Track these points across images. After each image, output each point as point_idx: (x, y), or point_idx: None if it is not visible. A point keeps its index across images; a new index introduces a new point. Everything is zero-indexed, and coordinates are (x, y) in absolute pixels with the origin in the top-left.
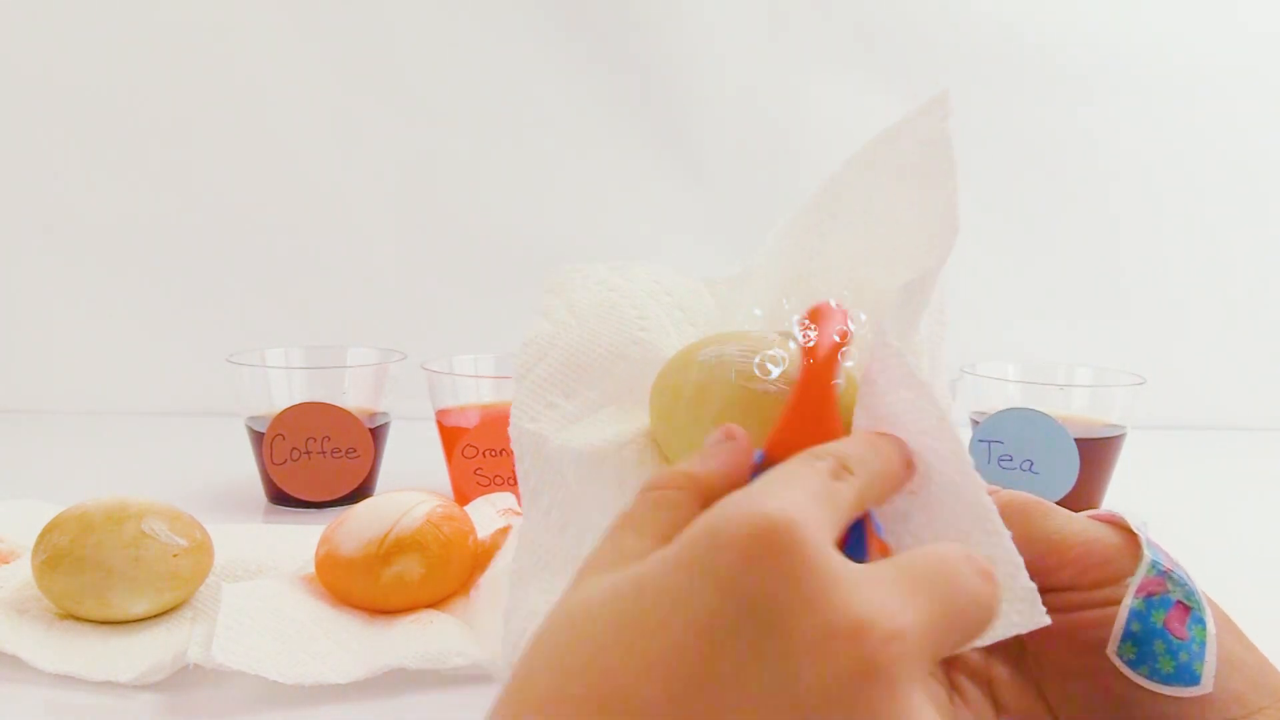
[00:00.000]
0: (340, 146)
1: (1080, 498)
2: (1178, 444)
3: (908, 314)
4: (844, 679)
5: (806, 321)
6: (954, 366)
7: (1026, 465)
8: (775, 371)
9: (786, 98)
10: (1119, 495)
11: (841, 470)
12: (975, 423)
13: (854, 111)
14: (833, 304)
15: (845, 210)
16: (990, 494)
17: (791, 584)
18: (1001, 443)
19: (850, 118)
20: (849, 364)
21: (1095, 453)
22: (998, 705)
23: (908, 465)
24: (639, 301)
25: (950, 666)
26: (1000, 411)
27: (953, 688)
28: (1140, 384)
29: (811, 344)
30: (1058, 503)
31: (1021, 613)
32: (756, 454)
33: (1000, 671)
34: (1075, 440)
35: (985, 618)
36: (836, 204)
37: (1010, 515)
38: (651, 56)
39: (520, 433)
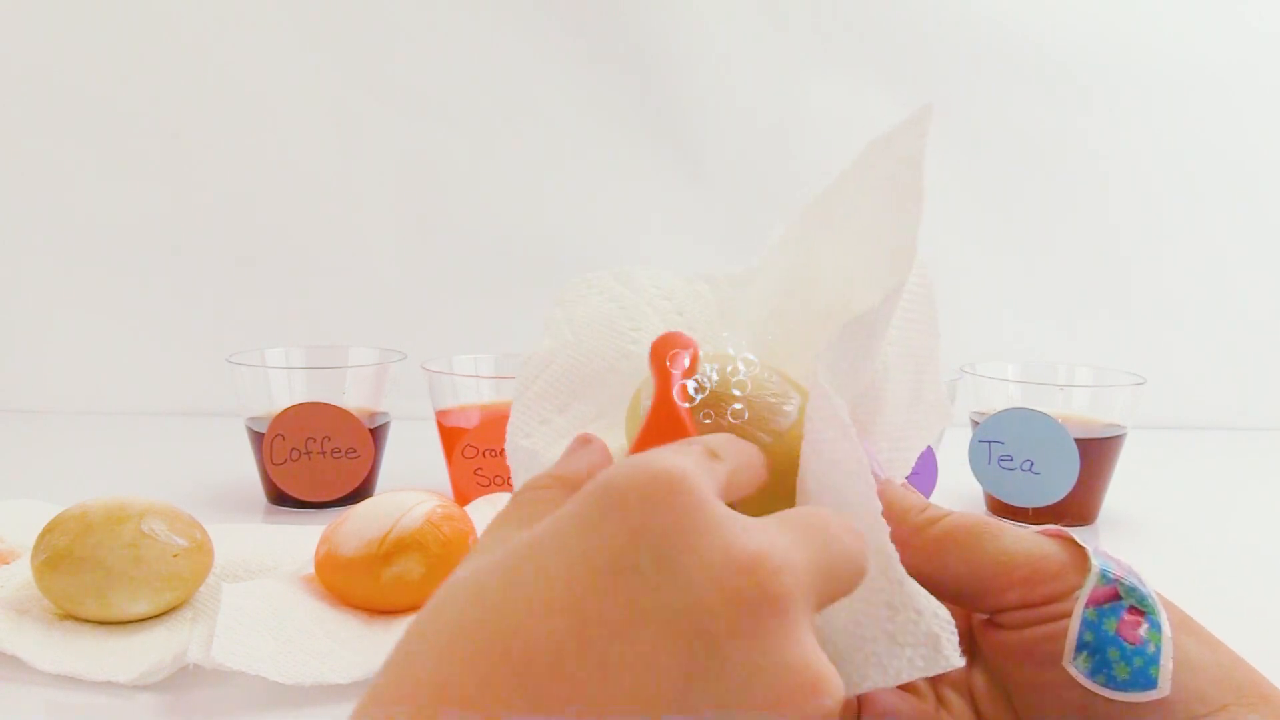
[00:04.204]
0: (340, 146)
1: (1080, 498)
2: (1178, 444)
3: (846, 355)
4: (742, 605)
5: (666, 349)
6: (954, 366)
7: (1026, 465)
8: (698, 398)
9: (786, 97)
10: (1119, 495)
11: (711, 454)
12: (975, 423)
13: (854, 111)
14: (681, 334)
15: (833, 224)
16: (940, 518)
17: (688, 520)
18: (1002, 443)
19: (850, 118)
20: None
21: (1095, 453)
22: (979, 715)
23: (762, 465)
24: (636, 312)
25: (936, 679)
26: (1000, 411)
27: (938, 700)
28: (1140, 384)
29: (666, 368)
30: (1059, 502)
31: (925, 657)
32: None
33: (979, 682)
34: (1075, 440)
35: (857, 568)
36: (826, 216)
37: (957, 539)
38: (651, 56)
39: (515, 449)
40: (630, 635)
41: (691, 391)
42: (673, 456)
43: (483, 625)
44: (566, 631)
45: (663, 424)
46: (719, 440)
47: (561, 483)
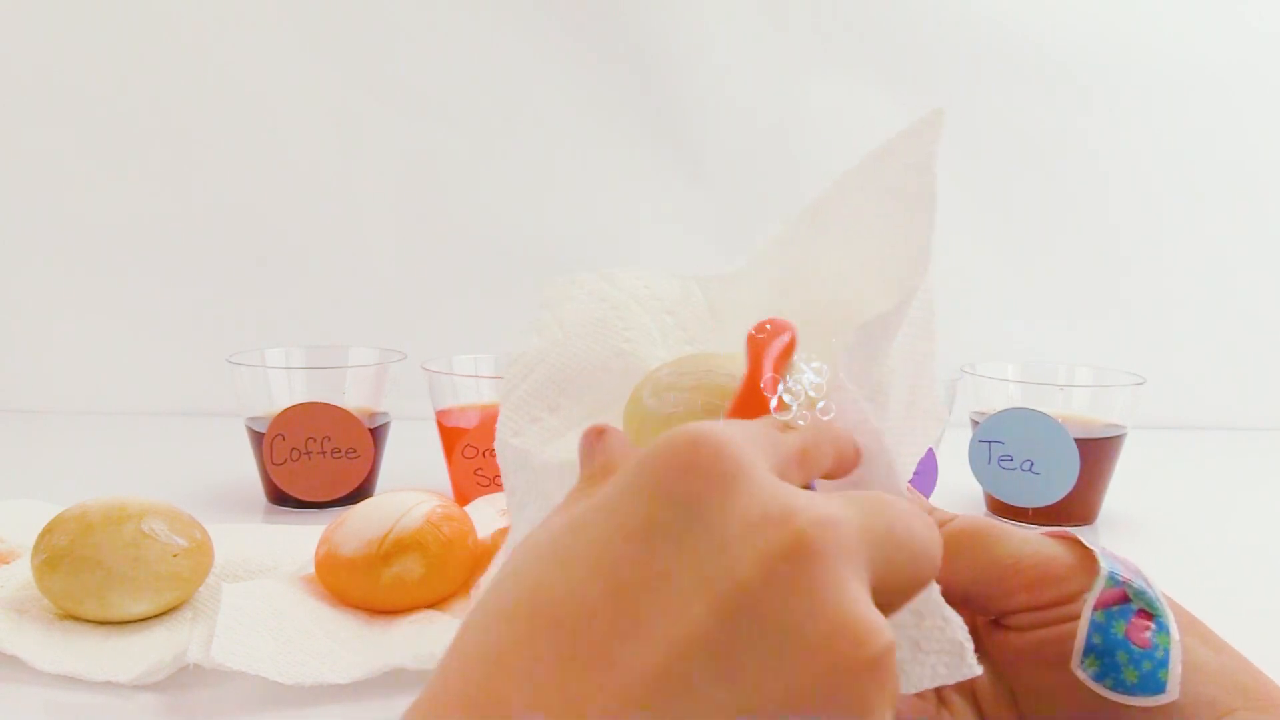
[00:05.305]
0: (340, 146)
1: (1080, 498)
2: (1178, 444)
3: (863, 355)
4: (776, 556)
5: (758, 334)
6: (954, 366)
7: (1026, 465)
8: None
9: (786, 97)
10: (1119, 495)
11: (786, 426)
12: (975, 423)
13: (854, 111)
14: (785, 321)
15: (834, 225)
16: (946, 521)
17: (721, 483)
18: (1002, 443)
19: (850, 118)
20: (810, 390)
21: (1095, 453)
22: (983, 716)
23: (856, 450)
24: (626, 311)
25: None
26: (1000, 411)
27: (940, 701)
28: (1140, 384)
29: (758, 352)
30: (1059, 502)
31: (948, 665)
32: None
33: (983, 683)
34: (1075, 440)
35: (927, 553)
36: (827, 217)
37: (965, 543)
38: (651, 56)
39: (504, 447)
40: (660, 592)
41: (784, 397)
42: (716, 425)
43: (533, 595)
44: (600, 594)
45: (749, 411)
46: (808, 425)
47: (606, 470)
